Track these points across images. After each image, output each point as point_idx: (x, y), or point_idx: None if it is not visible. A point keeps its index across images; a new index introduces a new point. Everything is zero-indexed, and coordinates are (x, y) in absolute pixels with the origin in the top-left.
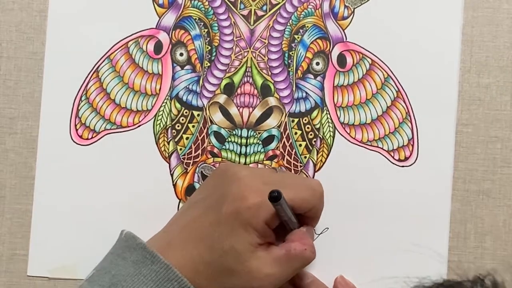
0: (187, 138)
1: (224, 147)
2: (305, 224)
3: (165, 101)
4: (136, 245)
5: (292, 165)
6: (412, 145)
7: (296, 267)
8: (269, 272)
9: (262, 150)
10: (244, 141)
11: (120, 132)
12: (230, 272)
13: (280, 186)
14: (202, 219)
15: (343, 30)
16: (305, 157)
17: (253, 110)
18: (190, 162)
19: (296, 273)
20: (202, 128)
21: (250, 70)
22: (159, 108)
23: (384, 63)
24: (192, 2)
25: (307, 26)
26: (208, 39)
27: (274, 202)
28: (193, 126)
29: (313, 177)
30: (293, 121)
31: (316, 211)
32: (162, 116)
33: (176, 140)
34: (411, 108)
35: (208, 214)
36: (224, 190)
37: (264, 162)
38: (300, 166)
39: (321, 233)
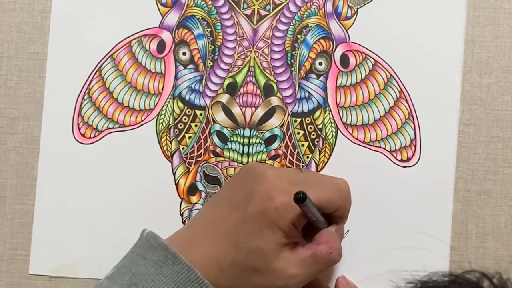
0: (189, 138)
1: (226, 146)
2: (334, 222)
3: (168, 100)
4: (157, 245)
5: (294, 165)
6: (415, 146)
7: (321, 268)
8: (294, 273)
9: (265, 149)
10: (246, 140)
11: (123, 131)
12: (254, 271)
13: (306, 186)
14: (228, 217)
15: (346, 30)
16: (308, 157)
17: (255, 110)
18: (192, 162)
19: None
20: (205, 127)
21: (253, 70)
22: (162, 107)
23: (387, 64)
24: (195, 1)
25: (310, 26)
26: (211, 38)
27: (300, 203)
28: (196, 126)
29: None
30: (295, 121)
31: (343, 210)
32: (165, 115)
33: (178, 139)
34: (414, 109)
35: (234, 213)
36: (250, 189)
37: (267, 161)
38: (302, 166)
39: (344, 237)
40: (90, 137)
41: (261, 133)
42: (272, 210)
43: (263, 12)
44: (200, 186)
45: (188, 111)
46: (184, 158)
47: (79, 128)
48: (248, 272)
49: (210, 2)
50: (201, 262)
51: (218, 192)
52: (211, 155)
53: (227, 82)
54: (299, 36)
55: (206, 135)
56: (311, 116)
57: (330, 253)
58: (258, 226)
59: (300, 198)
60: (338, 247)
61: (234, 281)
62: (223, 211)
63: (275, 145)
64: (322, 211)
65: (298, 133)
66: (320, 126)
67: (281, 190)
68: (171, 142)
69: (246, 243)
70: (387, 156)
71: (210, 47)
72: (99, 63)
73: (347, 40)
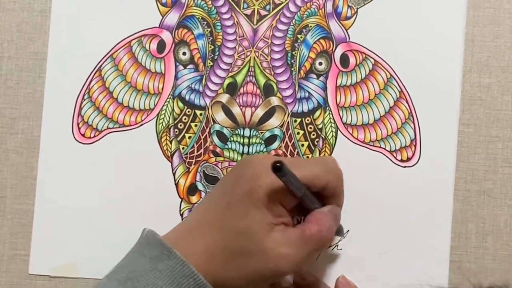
0: (189, 137)
1: (226, 146)
2: (329, 204)
3: (168, 100)
4: (154, 241)
5: None
6: (415, 146)
7: (312, 248)
8: (284, 252)
9: (265, 149)
10: (246, 140)
11: (123, 131)
12: (244, 254)
13: (292, 165)
14: (216, 204)
15: (346, 30)
16: (307, 157)
17: (255, 110)
18: (192, 162)
19: (314, 254)
20: (205, 127)
21: (253, 70)
22: (162, 107)
23: (387, 63)
24: (195, 1)
25: (310, 26)
26: (211, 38)
27: (277, 172)
28: (196, 125)
29: None
30: (295, 121)
31: (334, 187)
32: (165, 115)
33: (178, 139)
34: (414, 109)
35: (222, 199)
36: (238, 174)
37: None
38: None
39: (343, 237)
40: (90, 137)
41: (261, 133)
42: (257, 188)
43: (263, 12)
44: (200, 186)
45: (188, 111)
46: (184, 158)
47: (79, 128)
48: (238, 255)
49: (210, 2)
50: (193, 252)
51: (214, 186)
52: (211, 155)
53: (227, 82)
54: (299, 36)
55: (206, 135)
56: (311, 116)
57: (320, 231)
58: (244, 207)
59: (277, 167)
60: (329, 226)
61: (225, 266)
62: (213, 200)
63: (275, 145)
64: (310, 189)
65: (298, 133)
66: (320, 126)
67: (266, 170)
68: (171, 142)
69: (234, 225)
70: (387, 156)
71: (210, 47)
72: (99, 63)
73: (347, 40)
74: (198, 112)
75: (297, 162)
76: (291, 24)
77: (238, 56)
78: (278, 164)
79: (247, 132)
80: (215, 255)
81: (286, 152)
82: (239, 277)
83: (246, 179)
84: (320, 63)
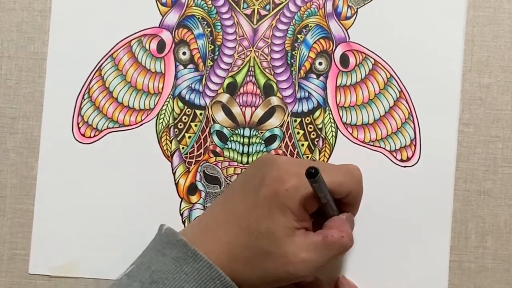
0: (189, 137)
1: (226, 146)
2: (345, 211)
3: (168, 100)
4: (177, 242)
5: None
6: (415, 146)
7: (333, 254)
8: (305, 257)
9: (265, 149)
10: (246, 140)
11: (123, 130)
12: (266, 255)
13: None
14: (240, 203)
15: (346, 30)
16: (307, 157)
17: (255, 110)
18: (192, 161)
19: (332, 260)
20: (205, 127)
21: (253, 70)
22: (162, 107)
23: (387, 63)
24: (195, 1)
25: (310, 26)
26: (211, 38)
27: (311, 178)
28: (196, 125)
29: None
30: (295, 120)
31: (355, 196)
32: (165, 115)
33: (178, 139)
34: (414, 108)
35: (246, 198)
36: (262, 174)
37: None
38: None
39: None
40: (90, 137)
41: (261, 132)
42: (282, 192)
43: (263, 12)
44: (200, 186)
45: (188, 111)
46: (184, 158)
47: (79, 128)
48: (259, 256)
49: (210, 2)
50: (214, 249)
51: (233, 181)
52: (211, 155)
53: (227, 81)
54: (299, 36)
55: (206, 134)
56: (311, 116)
57: (342, 237)
58: (269, 209)
59: (312, 173)
60: (350, 232)
61: (245, 266)
62: (236, 198)
63: (275, 144)
64: (333, 196)
65: (298, 133)
66: (320, 126)
67: (292, 173)
68: (171, 142)
69: (257, 226)
70: (387, 156)
71: (210, 46)
72: (99, 62)
73: (347, 40)
74: (198, 112)
75: (322, 167)
76: (291, 24)
77: (238, 56)
78: (313, 171)
79: (247, 132)
80: (237, 254)
81: (286, 152)
82: (257, 277)
83: (271, 181)
84: (320, 63)
